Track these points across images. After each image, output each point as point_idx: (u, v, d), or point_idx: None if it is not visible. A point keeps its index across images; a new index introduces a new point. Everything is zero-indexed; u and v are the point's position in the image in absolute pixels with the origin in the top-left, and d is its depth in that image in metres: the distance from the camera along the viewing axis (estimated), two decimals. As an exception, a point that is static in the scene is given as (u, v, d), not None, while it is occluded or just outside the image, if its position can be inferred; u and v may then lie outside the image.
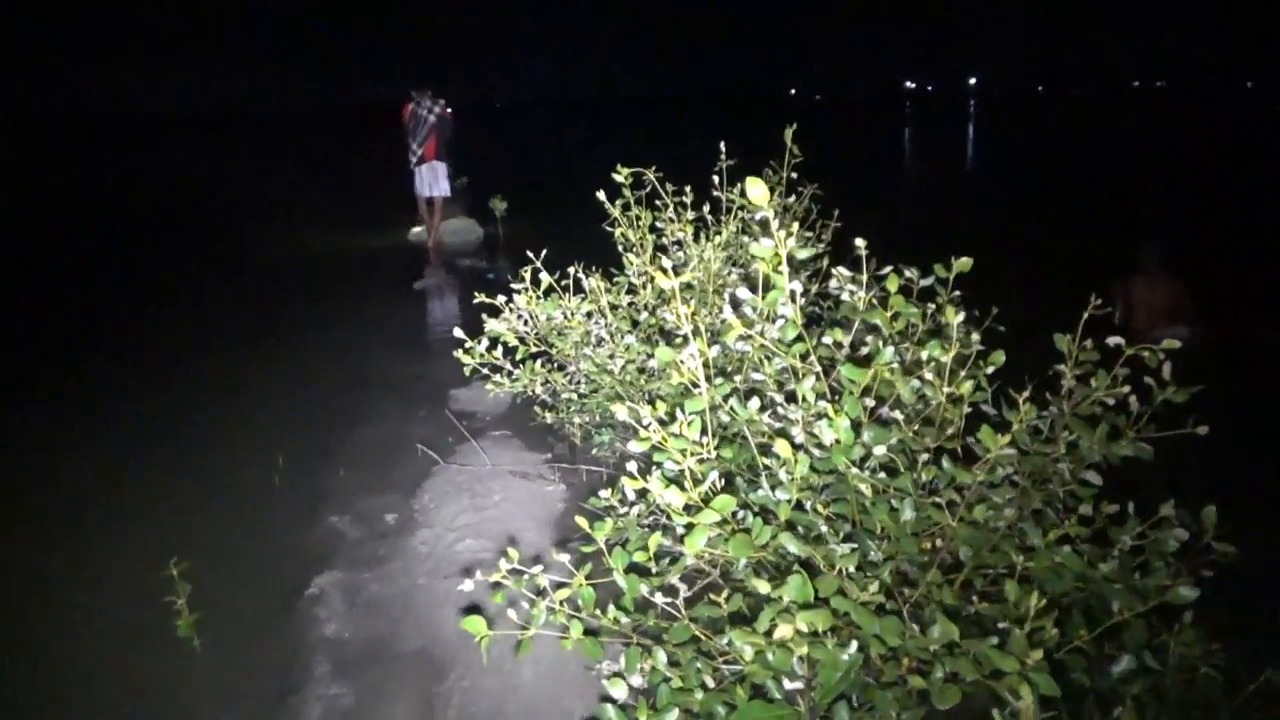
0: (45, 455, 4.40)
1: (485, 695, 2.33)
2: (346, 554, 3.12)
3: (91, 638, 2.79)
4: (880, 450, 2.00)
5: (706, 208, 3.62)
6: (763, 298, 2.14)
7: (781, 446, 1.93)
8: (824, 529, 1.89)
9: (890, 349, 1.95)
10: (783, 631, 1.60)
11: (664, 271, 2.00)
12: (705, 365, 2.16)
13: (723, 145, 3.59)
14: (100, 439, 4.59)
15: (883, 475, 2.04)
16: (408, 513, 3.40)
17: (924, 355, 1.94)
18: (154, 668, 2.58)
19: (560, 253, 3.19)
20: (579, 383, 3.36)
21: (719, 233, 3.57)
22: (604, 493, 2.42)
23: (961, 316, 2.07)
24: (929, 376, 1.92)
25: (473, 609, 2.61)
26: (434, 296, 8.20)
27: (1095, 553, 1.91)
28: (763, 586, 1.69)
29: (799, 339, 2.05)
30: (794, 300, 2.03)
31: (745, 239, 3.68)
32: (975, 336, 2.08)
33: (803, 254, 1.97)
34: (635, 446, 2.04)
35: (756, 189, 1.84)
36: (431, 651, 2.53)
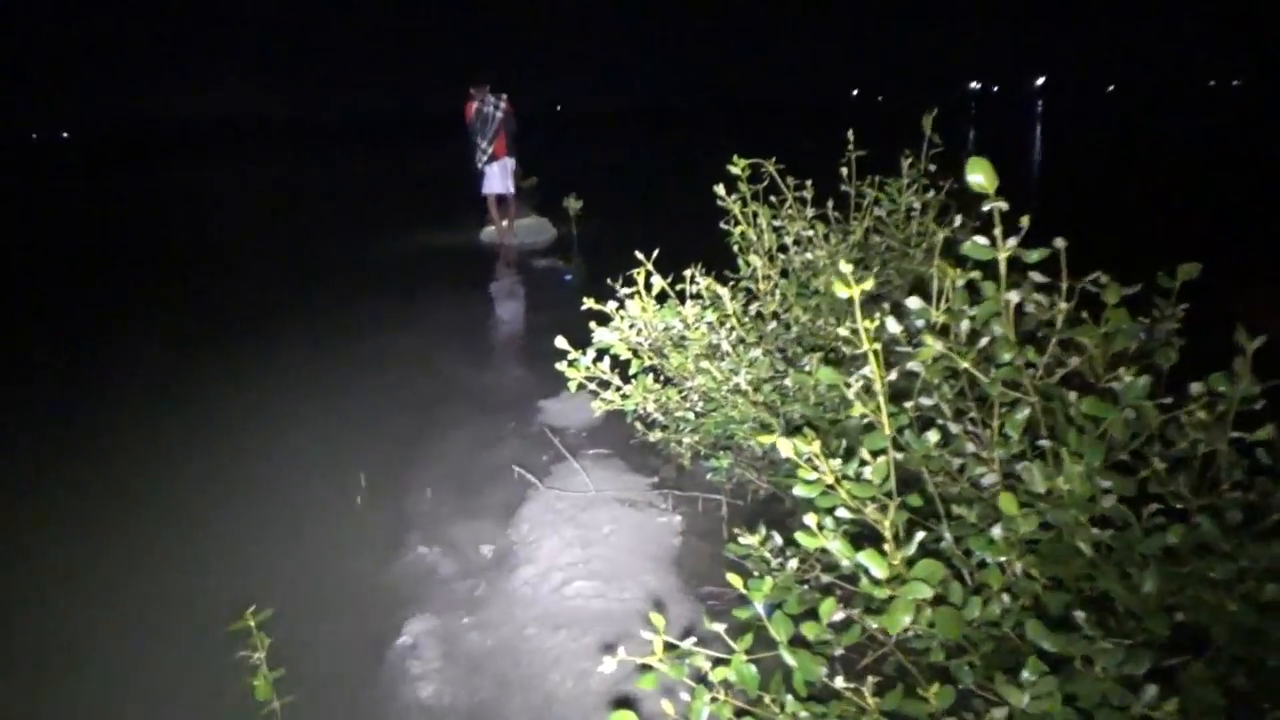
0: (105, 479, 4.10)
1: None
2: (440, 594, 2.79)
3: (158, 702, 2.48)
4: (1111, 501, 1.59)
5: (831, 203, 3.22)
6: (968, 306, 1.75)
7: (1006, 502, 1.53)
8: (1078, 616, 1.47)
9: (1144, 380, 1.52)
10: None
11: (843, 280, 1.62)
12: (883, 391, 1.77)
13: (850, 134, 3.20)
14: (165, 455, 4.35)
15: (1110, 532, 1.63)
16: (506, 544, 3.05)
17: (1193, 389, 1.50)
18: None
19: (651, 254, 2.82)
20: (694, 401, 2.98)
21: (851, 231, 3.16)
22: (747, 539, 2.03)
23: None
24: (1199, 415, 1.48)
25: (592, 674, 2.25)
26: (511, 298, 7.92)
27: None
28: (1014, 696, 1.29)
29: (1012, 365, 1.65)
30: (1011, 316, 1.63)
31: (877, 238, 3.27)
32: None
33: (1033, 256, 1.56)
34: (803, 491, 1.67)
35: (979, 173, 1.45)
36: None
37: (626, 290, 2.82)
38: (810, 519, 1.57)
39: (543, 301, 7.46)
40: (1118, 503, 1.61)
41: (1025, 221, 1.71)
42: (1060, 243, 1.81)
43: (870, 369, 1.70)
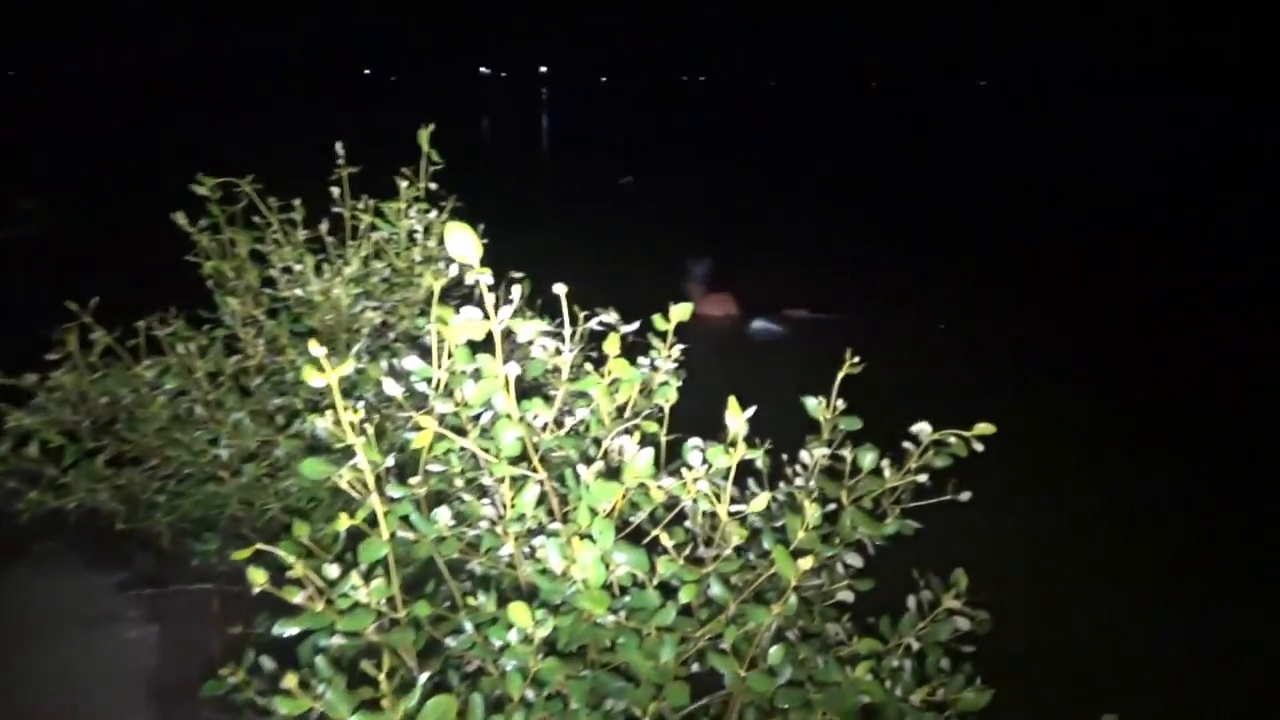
0: None
1: None
2: None
3: None
4: (625, 572, 1.52)
5: (325, 226, 2.86)
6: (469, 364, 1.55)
7: (518, 613, 1.36)
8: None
9: (648, 454, 1.45)
10: None
11: (315, 365, 1.31)
12: (379, 480, 1.51)
13: (339, 146, 2.86)
14: None
15: (628, 599, 1.57)
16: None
17: (695, 459, 1.46)
18: None
19: (113, 290, 2.25)
20: (166, 478, 2.42)
21: (347, 261, 2.82)
22: (230, 674, 1.64)
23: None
24: (702, 487, 1.44)
25: None
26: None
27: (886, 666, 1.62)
28: None
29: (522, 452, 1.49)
30: (509, 389, 1.46)
31: (378, 264, 2.98)
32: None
33: (528, 327, 1.39)
34: (284, 629, 1.36)
35: (461, 243, 1.24)
36: None
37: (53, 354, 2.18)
38: (290, 681, 1.24)
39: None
40: (634, 584, 1.54)
41: (561, 288, 1.56)
42: (560, 288, 1.71)
43: (361, 460, 1.43)
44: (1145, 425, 6.04)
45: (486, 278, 1.21)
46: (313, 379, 1.33)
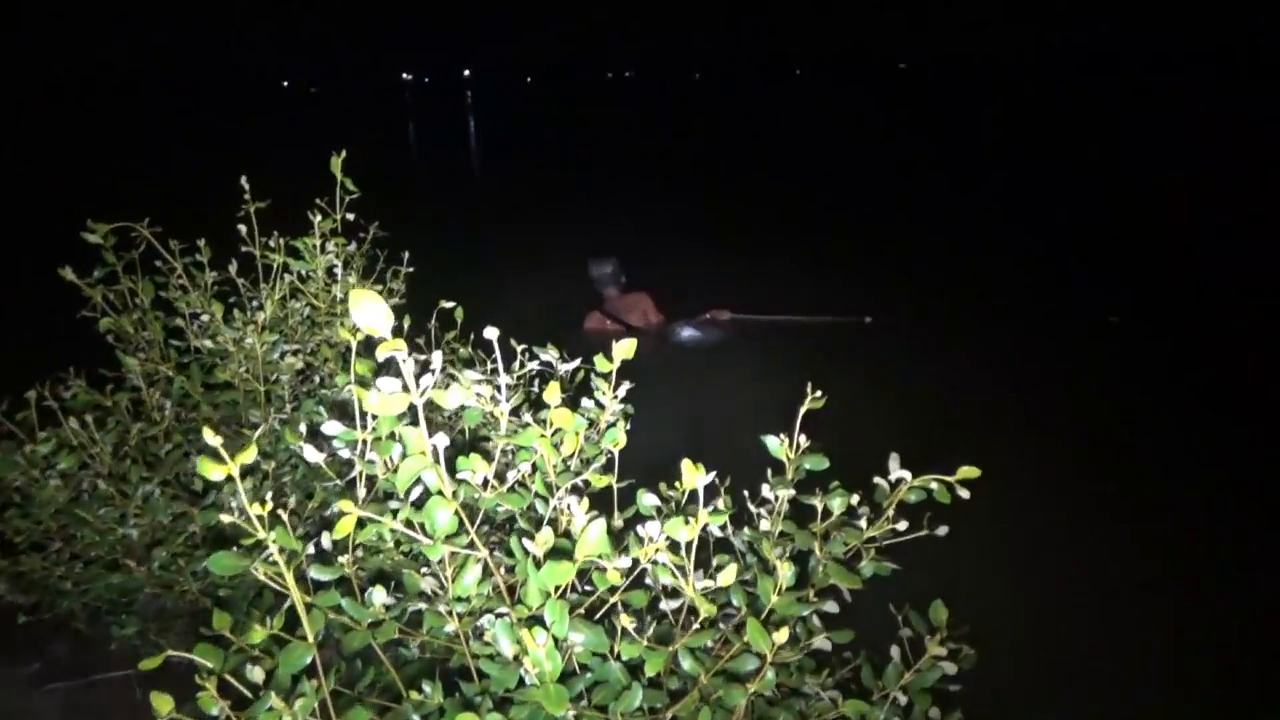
0: None
1: None
2: None
3: None
4: (582, 650, 1.38)
5: (234, 267, 2.65)
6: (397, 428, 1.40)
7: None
8: None
9: (599, 528, 1.30)
10: None
11: (217, 459, 1.15)
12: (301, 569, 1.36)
13: (245, 181, 2.66)
14: None
15: (589, 674, 1.43)
16: None
17: (652, 529, 1.31)
18: None
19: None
20: (73, 558, 2.20)
21: (261, 305, 2.62)
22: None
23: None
24: (664, 559, 1.30)
25: None
26: None
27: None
28: None
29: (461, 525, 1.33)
30: (438, 461, 1.30)
31: (295, 304, 2.78)
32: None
33: (453, 397, 1.24)
34: None
35: (368, 313, 1.08)
36: None
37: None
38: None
39: None
40: (594, 655, 1.40)
41: (493, 333, 1.41)
42: (492, 332, 1.56)
43: (277, 553, 1.27)
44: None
45: (400, 354, 1.05)
46: (212, 472, 1.17)
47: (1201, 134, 24.93)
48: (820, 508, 1.43)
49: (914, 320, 7.40)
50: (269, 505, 1.21)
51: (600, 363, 1.68)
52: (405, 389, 1.18)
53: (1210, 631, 3.50)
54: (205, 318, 2.44)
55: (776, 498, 1.56)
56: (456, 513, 1.27)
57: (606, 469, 1.73)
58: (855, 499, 1.49)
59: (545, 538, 1.36)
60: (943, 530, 1.52)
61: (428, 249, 3.23)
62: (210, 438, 1.17)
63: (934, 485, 1.32)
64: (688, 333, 7.07)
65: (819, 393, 1.51)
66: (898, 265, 9.38)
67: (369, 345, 1.33)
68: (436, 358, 1.20)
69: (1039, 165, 18.86)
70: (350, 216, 2.80)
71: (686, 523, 1.20)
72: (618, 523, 1.72)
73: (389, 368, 1.59)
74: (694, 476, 1.33)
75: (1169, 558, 3.99)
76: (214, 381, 2.48)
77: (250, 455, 1.19)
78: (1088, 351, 6.72)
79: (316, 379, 2.74)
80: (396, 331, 1.14)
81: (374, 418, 1.52)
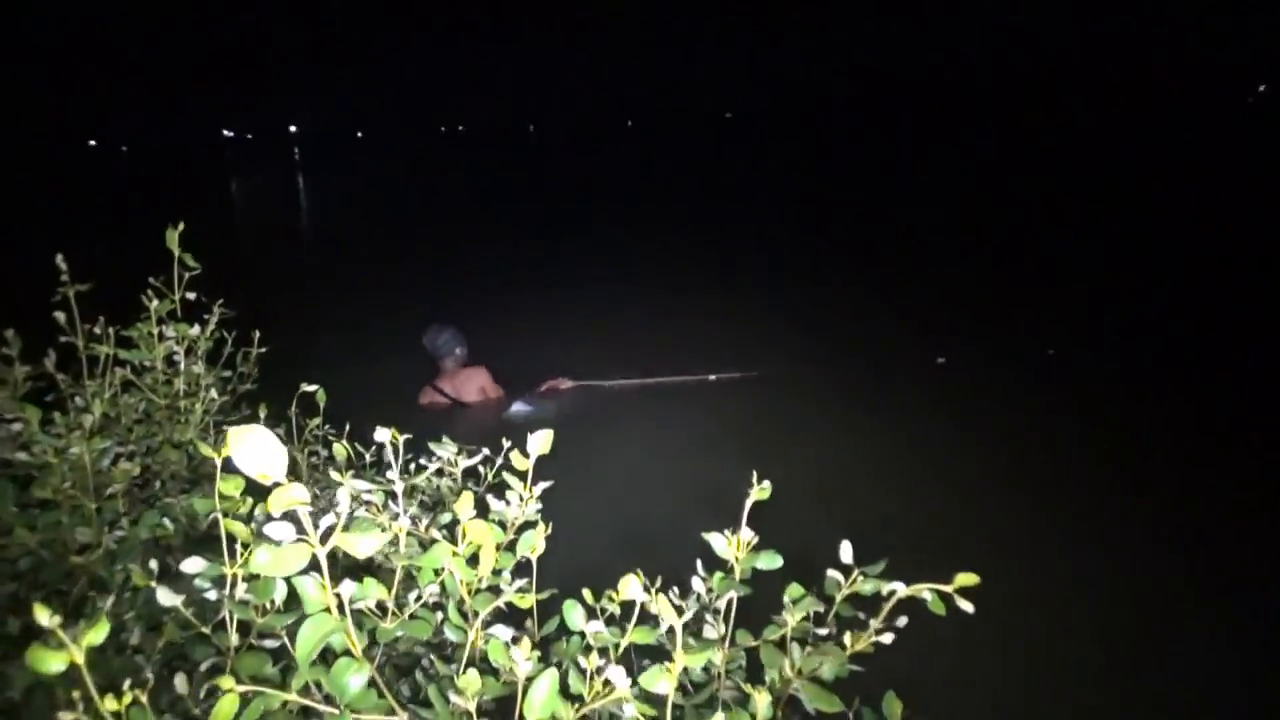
0: None
1: None
2: None
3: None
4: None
5: (51, 360, 2.29)
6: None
7: None
8: None
9: (548, 682, 1.10)
10: None
11: (54, 643, 0.89)
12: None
13: (61, 260, 2.32)
14: None
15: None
16: None
17: (619, 678, 1.13)
18: None
19: None
20: None
21: (87, 406, 2.26)
22: None
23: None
24: (631, 711, 1.11)
25: None
26: None
27: None
28: None
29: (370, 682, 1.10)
30: (344, 612, 1.08)
31: (128, 398, 2.42)
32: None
33: (366, 544, 1.02)
34: None
35: (253, 447, 0.86)
36: None
37: None
38: None
39: None
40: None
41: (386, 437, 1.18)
42: (383, 434, 1.34)
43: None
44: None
45: (304, 507, 0.83)
46: (50, 666, 0.90)
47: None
48: (790, 622, 1.29)
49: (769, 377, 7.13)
50: (126, 695, 0.95)
51: (516, 460, 1.49)
52: (301, 534, 0.96)
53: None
54: (15, 428, 2.06)
55: (723, 602, 1.42)
56: (371, 678, 1.05)
57: (521, 574, 1.53)
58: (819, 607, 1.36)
59: (472, 686, 1.15)
60: (902, 621, 1.41)
61: (257, 318, 2.91)
62: (41, 615, 0.91)
63: (927, 595, 1.20)
64: (517, 408, 6.38)
65: (765, 483, 1.38)
66: (765, 322, 9.16)
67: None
68: (343, 495, 0.99)
69: (896, 210, 19.40)
70: (191, 296, 2.49)
71: (665, 671, 1.01)
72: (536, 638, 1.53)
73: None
74: (632, 586, 1.16)
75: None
76: (30, 499, 2.09)
77: (101, 633, 0.93)
78: (923, 392, 6.70)
79: (157, 484, 2.39)
80: (253, 420, 0.92)
81: (244, 546, 1.27)
